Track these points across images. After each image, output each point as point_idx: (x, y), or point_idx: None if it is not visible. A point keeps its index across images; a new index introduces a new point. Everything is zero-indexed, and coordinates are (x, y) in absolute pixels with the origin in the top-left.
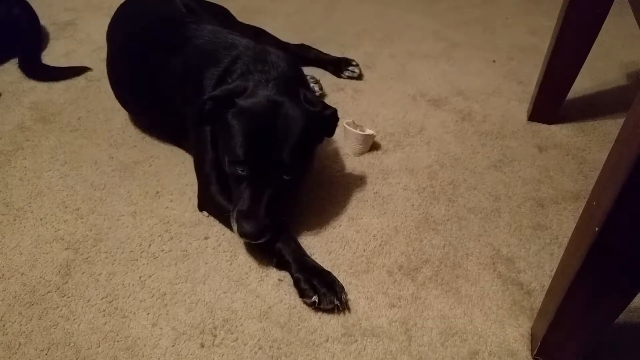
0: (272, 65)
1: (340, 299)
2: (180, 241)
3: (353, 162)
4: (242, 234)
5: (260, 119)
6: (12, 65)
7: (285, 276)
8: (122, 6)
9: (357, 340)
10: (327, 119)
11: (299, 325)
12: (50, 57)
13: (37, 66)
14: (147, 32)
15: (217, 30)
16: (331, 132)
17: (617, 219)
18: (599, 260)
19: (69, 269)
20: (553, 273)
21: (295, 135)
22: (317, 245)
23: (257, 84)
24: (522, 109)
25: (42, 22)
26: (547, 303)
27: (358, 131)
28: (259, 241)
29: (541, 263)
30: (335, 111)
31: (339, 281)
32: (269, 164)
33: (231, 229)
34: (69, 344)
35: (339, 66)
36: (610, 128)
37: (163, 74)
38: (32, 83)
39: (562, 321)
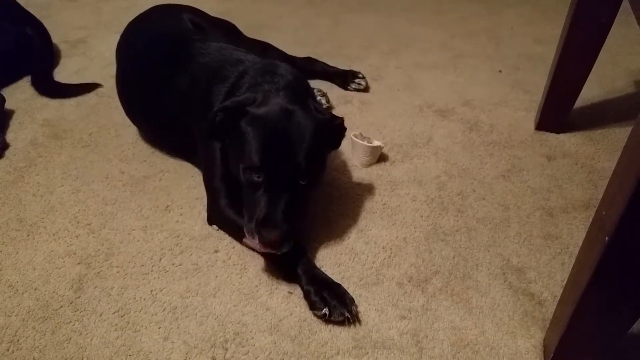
0: (281, 76)
1: (350, 311)
2: (191, 255)
3: (361, 174)
4: (264, 243)
5: (274, 125)
6: (25, 83)
7: (295, 289)
8: (130, 24)
9: (368, 353)
10: (336, 128)
11: (309, 338)
12: (62, 74)
13: (49, 84)
14: (154, 50)
15: (222, 47)
16: (338, 143)
17: (627, 228)
18: (610, 269)
19: (81, 284)
20: (564, 283)
21: (309, 141)
22: (326, 258)
23: (267, 94)
24: (530, 119)
25: (54, 40)
26: (559, 313)
27: (366, 143)
28: (281, 250)
29: (552, 273)
30: (342, 120)
31: (349, 293)
32: (284, 169)
33: (241, 242)
34: (82, 359)
35: (345, 79)
36: (619, 136)
37: (170, 91)
38: (45, 100)
39: (574, 331)
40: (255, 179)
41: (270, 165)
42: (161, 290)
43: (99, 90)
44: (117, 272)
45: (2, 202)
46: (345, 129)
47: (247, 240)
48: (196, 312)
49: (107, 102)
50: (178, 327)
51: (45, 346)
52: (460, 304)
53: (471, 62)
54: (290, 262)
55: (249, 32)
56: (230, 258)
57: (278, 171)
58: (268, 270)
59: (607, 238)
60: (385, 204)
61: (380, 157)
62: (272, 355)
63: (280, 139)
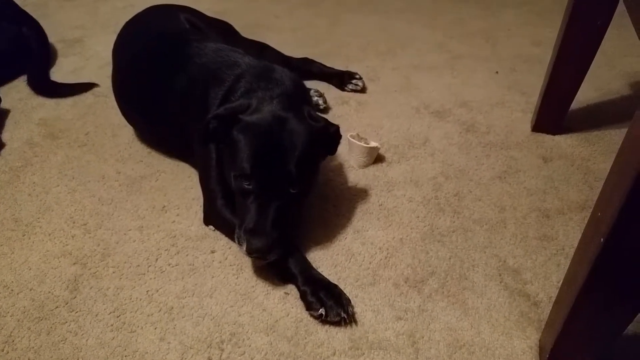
0: (276, 82)
1: (347, 312)
2: (187, 255)
3: (358, 175)
4: (250, 251)
5: (266, 133)
6: (21, 83)
7: (292, 289)
8: (127, 23)
9: (364, 354)
10: (331, 136)
11: (305, 338)
12: (59, 74)
13: (45, 83)
14: (150, 50)
15: (219, 49)
16: (334, 149)
17: (622, 230)
18: (605, 271)
19: (77, 284)
20: (560, 284)
21: (301, 149)
22: (323, 259)
23: (260, 101)
24: (526, 120)
25: (51, 39)
26: (554, 314)
27: (362, 144)
28: (267, 259)
29: (548, 274)
30: (338, 128)
31: (345, 294)
32: (275, 178)
33: (238, 243)
34: (78, 359)
35: (342, 79)
36: (615, 138)
37: (166, 92)
38: (41, 100)
39: (570, 332)
40: (246, 186)
41: (260, 173)
42: (157, 291)
43: (96, 90)
44: (113, 272)
45: None
46: (340, 136)
47: (238, 247)
48: (192, 312)
49: (103, 101)
50: (174, 328)
51: (41, 347)
52: (456, 304)
53: (468, 64)
54: (287, 263)
55: (246, 32)
56: (226, 258)
57: (268, 180)
58: (264, 271)
59: (602, 239)
60: (381, 204)
61: (376, 158)
62: (268, 356)
63: (271, 147)
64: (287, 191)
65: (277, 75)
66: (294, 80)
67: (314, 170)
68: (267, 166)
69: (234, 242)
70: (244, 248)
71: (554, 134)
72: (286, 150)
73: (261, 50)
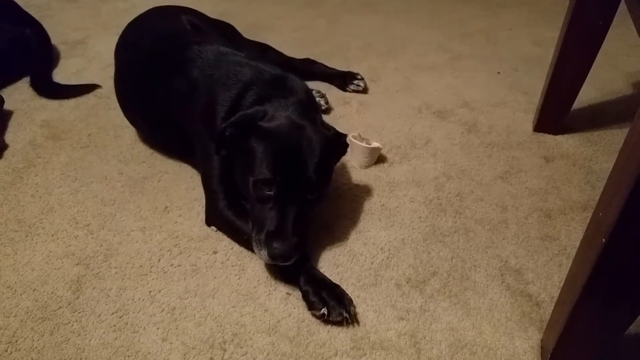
0: (290, 90)
1: (349, 312)
2: (189, 256)
3: (359, 175)
4: (274, 256)
5: (286, 140)
6: (24, 84)
7: (294, 290)
8: (129, 25)
9: (366, 354)
10: (342, 145)
11: (307, 339)
12: (61, 75)
13: (48, 84)
14: (152, 51)
15: (220, 52)
16: (338, 158)
17: (624, 230)
18: (607, 271)
19: (80, 285)
20: (562, 284)
21: (319, 156)
22: (324, 259)
23: (276, 108)
24: (528, 120)
25: (53, 41)
26: (556, 314)
27: (364, 144)
28: (288, 262)
29: (550, 274)
30: (346, 137)
31: (347, 294)
32: (295, 183)
33: (239, 243)
34: None
35: (344, 80)
36: (616, 138)
37: (168, 94)
38: (44, 101)
39: (571, 332)
40: (266, 192)
41: (282, 179)
42: (160, 291)
43: (98, 91)
44: (116, 273)
45: (0, 203)
46: (347, 146)
47: (256, 252)
48: (195, 313)
49: (106, 103)
50: (176, 328)
51: (44, 347)
52: (458, 305)
53: (469, 64)
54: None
55: (247, 33)
56: (228, 259)
57: (289, 185)
58: (266, 271)
59: (604, 239)
60: (383, 205)
61: (378, 159)
62: (271, 356)
63: (291, 153)
64: (306, 197)
65: (290, 83)
66: (305, 89)
67: (329, 177)
68: (288, 172)
69: (236, 242)
70: (265, 253)
71: (555, 134)
72: (306, 157)
73: (263, 51)
